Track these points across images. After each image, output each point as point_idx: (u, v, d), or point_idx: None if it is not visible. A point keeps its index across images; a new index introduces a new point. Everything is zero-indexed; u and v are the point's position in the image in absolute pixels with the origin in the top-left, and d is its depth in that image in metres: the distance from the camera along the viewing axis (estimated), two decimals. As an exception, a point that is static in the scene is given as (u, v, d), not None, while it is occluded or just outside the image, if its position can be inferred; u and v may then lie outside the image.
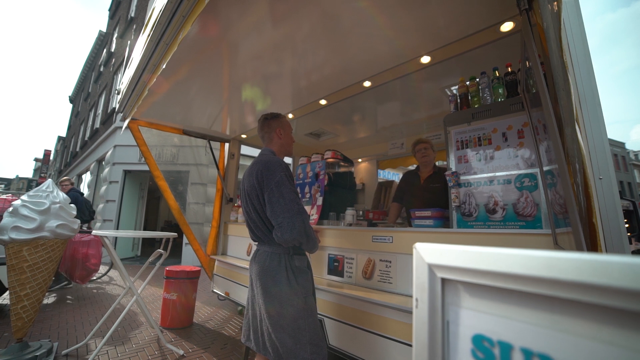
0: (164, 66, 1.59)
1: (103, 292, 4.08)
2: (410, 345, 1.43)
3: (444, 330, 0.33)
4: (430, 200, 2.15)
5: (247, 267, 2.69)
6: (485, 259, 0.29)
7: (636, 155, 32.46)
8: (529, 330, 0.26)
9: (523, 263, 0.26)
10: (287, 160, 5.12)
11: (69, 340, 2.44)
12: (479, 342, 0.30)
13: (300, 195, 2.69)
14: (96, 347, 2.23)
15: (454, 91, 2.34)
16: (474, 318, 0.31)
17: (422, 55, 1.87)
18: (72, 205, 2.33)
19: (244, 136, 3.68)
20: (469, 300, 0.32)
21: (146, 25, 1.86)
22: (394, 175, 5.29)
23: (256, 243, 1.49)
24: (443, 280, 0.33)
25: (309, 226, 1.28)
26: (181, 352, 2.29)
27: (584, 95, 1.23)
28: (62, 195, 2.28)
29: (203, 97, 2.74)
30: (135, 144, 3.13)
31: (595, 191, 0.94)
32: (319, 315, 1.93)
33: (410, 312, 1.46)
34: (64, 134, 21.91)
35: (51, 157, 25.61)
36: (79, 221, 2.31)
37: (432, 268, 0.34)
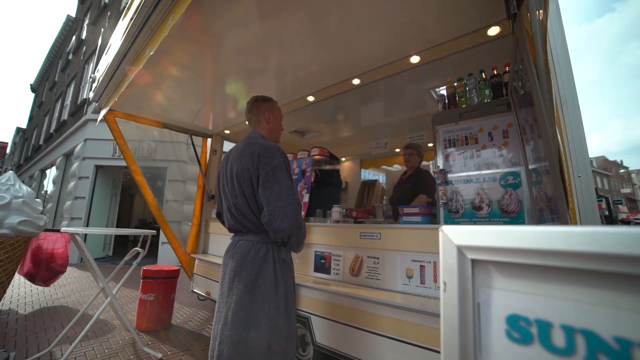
0: (150, 53, 1.50)
1: (69, 295, 3.81)
2: (399, 341, 1.45)
3: (475, 312, 0.32)
4: (402, 196, 2.39)
5: (230, 265, 2.63)
6: (521, 237, 0.29)
7: (591, 161, 35.25)
8: (569, 306, 0.26)
9: (566, 239, 0.26)
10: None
11: (29, 349, 2.23)
12: (514, 322, 0.29)
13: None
14: (62, 355, 2.06)
15: (440, 93, 2.42)
16: (508, 298, 0.30)
17: (411, 55, 1.91)
18: (37, 200, 2.15)
19: (227, 132, 3.58)
20: (502, 280, 0.31)
21: (128, 8, 1.75)
22: (375, 176, 5.38)
23: (235, 234, 1.35)
24: (473, 261, 0.33)
25: (302, 220, 1.21)
26: (159, 355, 2.18)
27: (565, 98, 1.31)
28: (25, 189, 2.10)
29: (185, 90, 2.63)
30: (109, 137, 2.95)
31: (574, 188, 0.99)
32: (305, 313, 1.92)
33: (398, 308, 1.48)
34: (24, 125, 20.28)
35: (7, 151, 23.63)
36: (45, 217, 2.14)
37: (461, 250, 0.33)
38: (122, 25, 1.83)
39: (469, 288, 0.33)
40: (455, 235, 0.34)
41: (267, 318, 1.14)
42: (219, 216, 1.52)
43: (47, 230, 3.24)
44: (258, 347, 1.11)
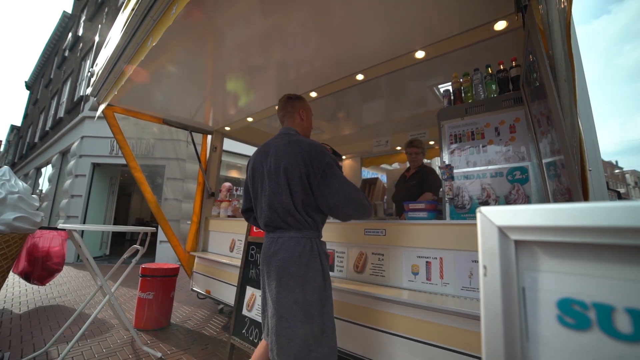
0: (153, 44, 1.46)
1: (66, 294, 3.76)
2: (405, 338, 1.43)
3: (520, 297, 0.30)
4: (404, 195, 2.41)
5: (230, 263, 2.60)
6: (575, 214, 0.26)
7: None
8: (635, 288, 0.24)
9: (630, 214, 0.24)
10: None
11: (24, 349, 2.17)
12: (567, 306, 0.27)
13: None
14: (59, 355, 2.01)
15: (443, 89, 2.40)
16: (558, 281, 0.28)
17: (416, 50, 1.89)
18: (34, 196, 2.10)
19: (227, 128, 3.54)
20: (550, 262, 0.29)
21: (128, 1, 1.72)
22: (375, 175, 5.36)
23: (272, 231, 1.32)
24: (516, 243, 0.30)
25: (365, 200, 1.28)
26: (159, 354, 2.15)
27: (577, 91, 1.29)
28: (21, 184, 2.06)
29: (186, 86, 2.60)
30: (106, 135, 2.91)
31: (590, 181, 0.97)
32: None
33: (404, 304, 1.46)
34: (18, 123, 20.03)
35: (1, 149, 23.33)
36: (42, 214, 2.09)
37: (503, 231, 0.31)
38: (122, 18, 1.79)
39: (513, 272, 0.30)
40: (496, 216, 0.32)
41: (320, 308, 1.20)
42: (245, 212, 1.54)
43: (43, 228, 3.19)
44: (315, 337, 1.16)
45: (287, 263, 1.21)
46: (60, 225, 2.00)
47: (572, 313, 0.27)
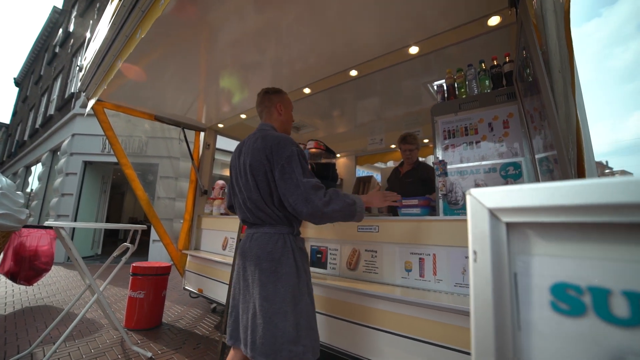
0: (142, 36, 1.42)
1: (54, 294, 3.68)
2: (398, 335, 1.42)
3: (512, 283, 0.28)
4: (403, 192, 2.27)
5: (223, 261, 2.56)
6: (570, 192, 0.25)
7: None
8: (630, 269, 0.22)
9: (629, 190, 0.22)
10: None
11: (7, 350, 2.11)
12: (561, 291, 0.25)
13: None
14: (44, 356, 1.96)
15: (436, 87, 2.40)
16: (551, 265, 0.26)
17: (410, 46, 1.88)
18: (19, 193, 2.04)
19: (220, 125, 3.49)
20: (543, 245, 0.27)
21: (116, -10, 1.67)
22: (369, 174, 5.36)
23: (249, 227, 1.34)
24: (508, 225, 0.29)
25: (326, 198, 1.16)
26: (149, 354, 2.10)
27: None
28: (5, 180, 1.99)
29: (178, 82, 2.55)
30: (98, 132, 2.85)
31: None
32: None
33: (397, 301, 1.45)
34: (7, 121, 19.58)
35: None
36: (27, 211, 2.03)
37: (494, 213, 0.29)
38: (110, 9, 1.74)
39: (504, 256, 0.29)
40: (487, 197, 0.30)
41: (293, 306, 1.16)
42: (231, 209, 1.54)
43: (29, 226, 3.11)
44: (287, 335, 1.13)
45: (260, 259, 1.21)
46: (47, 223, 1.95)
47: (566, 298, 0.25)
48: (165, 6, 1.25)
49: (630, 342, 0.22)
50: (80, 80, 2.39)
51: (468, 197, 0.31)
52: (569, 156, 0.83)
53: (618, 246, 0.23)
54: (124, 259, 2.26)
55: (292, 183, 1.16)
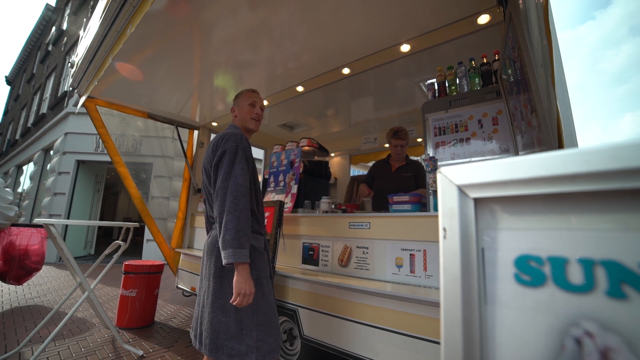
0: (132, 31, 1.42)
1: (45, 294, 3.63)
2: (390, 331, 1.43)
3: (479, 258, 0.29)
4: (401, 186, 2.29)
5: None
6: (531, 165, 0.25)
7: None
8: (587, 237, 0.23)
9: (585, 159, 0.23)
10: (259, 151, 4.91)
11: (-5, 349, 2.10)
12: (524, 263, 0.26)
13: (271, 183, 2.60)
14: (32, 354, 1.93)
15: (427, 84, 2.41)
16: (516, 239, 0.27)
17: (401, 44, 1.89)
18: (7, 189, 2.01)
19: (214, 124, 3.49)
20: (508, 219, 0.28)
21: (107, -14, 1.66)
22: (364, 173, 5.37)
23: (214, 221, 1.34)
24: (476, 201, 0.29)
25: (234, 208, 1.08)
26: (140, 352, 2.09)
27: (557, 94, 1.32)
28: (-4, 178, 1.96)
29: (172, 79, 2.54)
30: (91, 131, 2.82)
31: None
32: (292, 306, 1.87)
33: (388, 297, 1.45)
34: (-1, 120, 19.25)
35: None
36: (16, 208, 2.00)
37: (462, 189, 0.30)
38: (102, 4, 1.73)
39: (472, 232, 0.29)
40: (456, 175, 0.30)
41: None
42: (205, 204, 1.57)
43: (18, 225, 3.06)
44: (229, 331, 1.13)
45: (210, 255, 1.24)
46: (36, 220, 1.92)
47: (529, 270, 0.26)
48: (153, 1, 1.24)
49: (584, 308, 0.22)
50: (71, 76, 2.36)
51: (438, 175, 0.32)
52: (553, 145, 0.85)
53: (574, 215, 0.24)
54: (115, 256, 2.24)
55: (219, 178, 1.17)
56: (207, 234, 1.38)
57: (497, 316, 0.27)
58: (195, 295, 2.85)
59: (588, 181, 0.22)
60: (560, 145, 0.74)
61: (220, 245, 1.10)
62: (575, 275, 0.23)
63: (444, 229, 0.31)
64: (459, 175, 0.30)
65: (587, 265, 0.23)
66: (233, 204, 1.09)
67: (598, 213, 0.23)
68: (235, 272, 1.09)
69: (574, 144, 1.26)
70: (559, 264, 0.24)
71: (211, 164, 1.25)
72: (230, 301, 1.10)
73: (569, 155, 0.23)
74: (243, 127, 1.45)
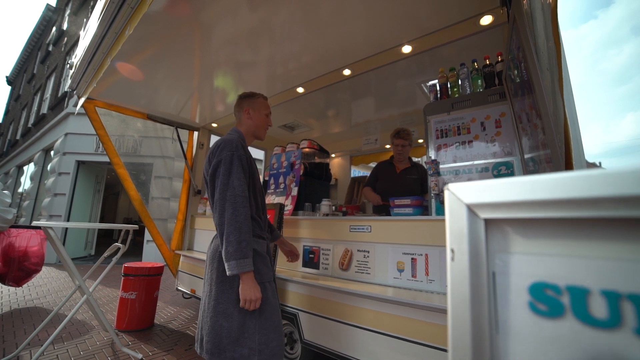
0: (130, 33, 1.40)
1: (45, 296, 3.62)
2: (391, 336, 1.41)
3: (490, 283, 0.27)
4: (406, 189, 2.26)
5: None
6: (549, 186, 0.23)
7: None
8: (611, 267, 0.21)
9: (609, 182, 0.21)
10: (259, 152, 4.91)
11: (-6, 352, 2.08)
12: (540, 291, 0.24)
13: (271, 185, 2.58)
14: (31, 358, 1.92)
15: (429, 86, 2.39)
16: (530, 264, 0.25)
17: (403, 45, 1.87)
18: (5, 192, 2.00)
19: (214, 125, 3.47)
20: (522, 242, 0.26)
21: (105, -13, 1.64)
22: (364, 174, 5.35)
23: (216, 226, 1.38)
24: (487, 222, 0.27)
25: (234, 219, 1.09)
26: (139, 355, 2.07)
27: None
28: (-6, 180, 1.95)
29: (172, 80, 2.52)
30: (91, 132, 2.80)
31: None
32: (293, 310, 1.85)
33: (389, 302, 1.44)
34: (-1, 120, 19.26)
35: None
36: (14, 211, 1.99)
37: (472, 209, 0.28)
38: (100, 5, 1.71)
39: (482, 254, 0.27)
40: (465, 192, 0.28)
41: (239, 308, 1.15)
42: None
43: (16, 226, 3.05)
44: (231, 335, 1.12)
45: (212, 258, 1.24)
46: (35, 223, 1.91)
47: (545, 299, 0.24)
48: (151, 2, 1.23)
49: (609, 344, 0.20)
50: (70, 78, 2.35)
51: (446, 193, 0.30)
52: (560, 153, 0.83)
53: (597, 243, 0.22)
54: (114, 259, 2.22)
55: (216, 188, 1.17)
56: (212, 238, 1.38)
57: (509, 347, 0.25)
58: (196, 297, 2.84)
59: (614, 206, 0.20)
60: (567, 152, 0.72)
61: (223, 256, 1.11)
62: (599, 308, 0.21)
63: (452, 250, 0.29)
64: (469, 193, 0.28)
65: (612, 298, 0.21)
66: (233, 216, 1.10)
67: (625, 241, 0.21)
68: (241, 281, 1.12)
69: (579, 149, 1.24)
70: (580, 295, 0.22)
71: (207, 171, 1.26)
72: (240, 306, 1.13)
73: (592, 177, 0.21)
74: (253, 133, 1.44)
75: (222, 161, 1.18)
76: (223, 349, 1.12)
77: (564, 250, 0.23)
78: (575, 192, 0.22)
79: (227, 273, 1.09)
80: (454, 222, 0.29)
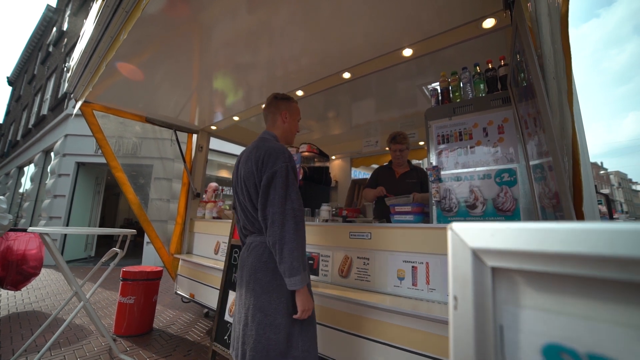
0: (124, 37, 1.37)
1: (43, 299, 3.60)
2: (390, 346, 1.38)
3: (497, 337, 0.24)
4: (406, 193, 2.17)
5: (215, 266, 2.51)
6: (568, 238, 0.20)
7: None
8: (641, 338, 0.18)
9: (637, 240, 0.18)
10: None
11: (-9, 358, 2.07)
12: (555, 355, 0.21)
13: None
14: (30, 363, 1.91)
15: (431, 89, 2.36)
16: (544, 321, 0.22)
17: (404, 48, 1.84)
18: (2, 198, 1.98)
19: (213, 128, 3.44)
20: (535, 296, 0.23)
21: (101, -11, 1.62)
22: (365, 175, 5.32)
23: (249, 234, 1.33)
24: (494, 270, 0.24)
25: (292, 232, 1.08)
26: (136, 362, 2.05)
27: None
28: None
29: (170, 83, 2.50)
30: (91, 133, 2.77)
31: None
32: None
33: (388, 311, 1.41)
34: (0, 120, 19.31)
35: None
36: (10, 216, 1.97)
37: (478, 255, 0.25)
38: (95, 8, 1.69)
39: (489, 305, 0.24)
40: (470, 235, 0.26)
41: (287, 317, 1.13)
42: (235, 210, 1.52)
43: (15, 230, 3.03)
44: (279, 348, 1.11)
45: (255, 268, 1.20)
46: (30, 229, 1.88)
47: (562, 365, 0.21)
48: (145, 6, 1.20)
49: None
50: (67, 81, 2.33)
51: (449, 232, 0.27)
52: (565, 167, 0.80)
53: (627, 308, 0.19)
54: (112, 264, 2.20)
55: (273, 198, 1.12)
56: (243, 246, 1.33)
57: (521, 414, 0.22)
58: (194, 301, 2.82)
59: (644, 269, 0.18)
60: (576, 167, 0.69)
61: (284, 271, 1.09)
62: (626, 386, 0.18)
63: (455, 298, 0.26)
64: (474, 236, 0.25)
65: (643, 375, 0.18)
66: (294, 231, 1.09)
67: (657, 310, 0.18)
68: (298, 292, 1.12)
69: (586, 160, 1.20)
70: (603, 366, 0.19)
71: (254, 181, 1.19)
72: (296, 316, 1.13)
73: (619, 232, 0.18)
74: (286, 138, 1.41)
75: (278, 173, 1.14)
76: None
77: (583, 311, 0.21)
78: (598, 248, 0.19)
79: (289, 287, 1.09)
80: (457, 268, 0.26)
